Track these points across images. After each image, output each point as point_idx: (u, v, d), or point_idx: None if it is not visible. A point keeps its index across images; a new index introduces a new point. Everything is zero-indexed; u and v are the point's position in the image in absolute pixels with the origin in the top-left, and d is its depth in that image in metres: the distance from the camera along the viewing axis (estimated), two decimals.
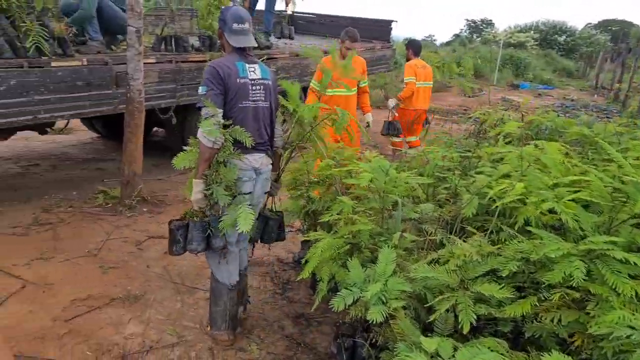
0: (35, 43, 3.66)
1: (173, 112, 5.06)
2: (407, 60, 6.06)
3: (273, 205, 2.98)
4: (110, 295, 3.09)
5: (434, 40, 33.52)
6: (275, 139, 2.75)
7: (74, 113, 4.20)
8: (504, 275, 1.83)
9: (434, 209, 2.60)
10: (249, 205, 2.40)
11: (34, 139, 6.45)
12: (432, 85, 6.15)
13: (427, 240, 2.27)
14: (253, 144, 2.44)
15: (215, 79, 2.42)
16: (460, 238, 2.25)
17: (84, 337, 2.66)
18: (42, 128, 4.77)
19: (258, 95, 2.55)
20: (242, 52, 2.57)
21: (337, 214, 2.41)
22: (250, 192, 2.56)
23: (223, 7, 2.76)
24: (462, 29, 34.56)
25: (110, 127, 6.59)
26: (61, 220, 4.09)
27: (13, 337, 2.58)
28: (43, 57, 3.85)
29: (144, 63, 4.30)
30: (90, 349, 2.58)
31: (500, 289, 1.74)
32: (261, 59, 5.68)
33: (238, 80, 2.47)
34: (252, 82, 2.52)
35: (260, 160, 2.59)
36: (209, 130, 2.33)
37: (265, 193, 2.75)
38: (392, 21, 8.96)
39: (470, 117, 4.64)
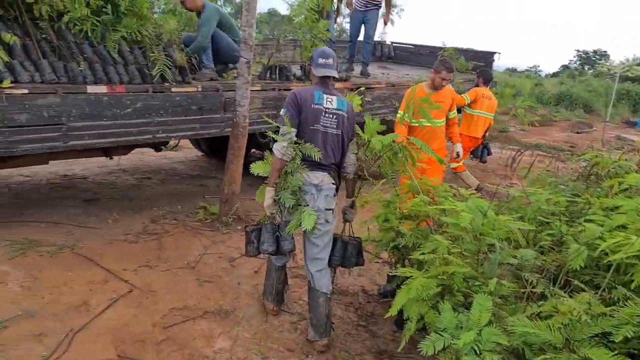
0: (160, 71, 4.08)
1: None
2: (476, 86, 6.44)
3: (351, 231, 3.14)
4: (204, 307, 3.27)
5: (539, 71, 31.81)
6: (346, 166, 2.99)
7: (186, 134, 4.59)
8: (616, 340, 1.66)
9: (535, 256, 2.44)
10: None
11: (149, 154, 7.12)
12: (492, 118, 6.41)
13: (528, 290, 2.13)
14: (317, 161, 2.76)
15: (293, 103, 2.81)
16: (565, 292, 2.09)
17: (178, 346, 2.84)
18: (158, 146, 5.26)
19: (329, 122, 2.86)
20: (324, 83, 2.93)
21: (431, 253, 2.35)
22: (309, 205, 2.80)
23: (315, 49, 3.15)
24: (571, 60, 32.46)
25: (214, 147, 7.08)
26: (166, 232, 4.44)
27: (119, 338, 2.83)
28: (166, 84, 4.27)
29: (250, 90, 4.59)
30: (184, 358, 2.74)
31: (613, 356, 1.58)
32: (358, 89, 5.85)
33: (312, 106, 2.82)
34: (326, 110, 2.85)
35: (321, 178, 2.85)
36: (281, 145, 2.73)
37: (329, 210, 2.90)
38: (494, 53, 8.70)
39: (579, 157, 4.32)
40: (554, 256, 2.45)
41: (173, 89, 4.32)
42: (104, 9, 3.80)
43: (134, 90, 4.05)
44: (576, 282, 2.16)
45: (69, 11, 3.55)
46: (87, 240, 4.09)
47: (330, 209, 2.91)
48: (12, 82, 3.42)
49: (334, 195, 2.94)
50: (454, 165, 6.29)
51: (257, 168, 2.96)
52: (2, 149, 3.44)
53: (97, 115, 3.82)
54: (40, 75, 3.60)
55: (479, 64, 8.38)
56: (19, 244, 3.86)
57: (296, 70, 5.77)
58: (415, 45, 9.81)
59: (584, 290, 2.11)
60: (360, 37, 7.01)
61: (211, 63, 4.96)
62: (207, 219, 4.78)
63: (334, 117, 2.87)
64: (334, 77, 2.95)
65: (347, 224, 3.12)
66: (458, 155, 4.81)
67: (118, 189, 5.63)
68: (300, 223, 2.66)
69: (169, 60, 4.20)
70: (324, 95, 2.87)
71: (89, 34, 3.77)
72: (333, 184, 2.92)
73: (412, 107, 3.37)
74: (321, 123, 2.84)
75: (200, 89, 4.53)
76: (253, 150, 7.16)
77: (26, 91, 3.46)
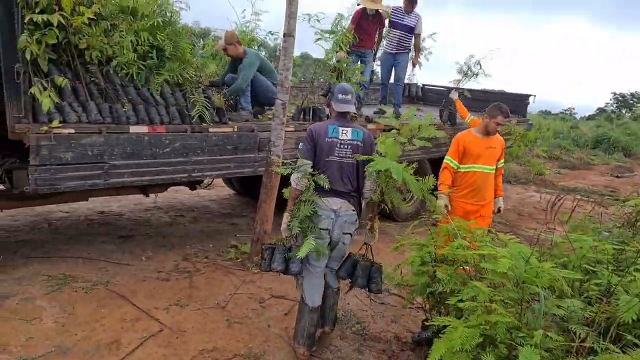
0: (199, 112, 4.21)
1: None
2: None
3: (371, 254, 3.26)
4: (233, 350, 3.21)
5: (574, 114, 31.31)
6: (364, 191, 3.16)
7: (221, 173, 4.68)
8: None
9: (582, 307, 2.31)
10: (329, 240, 3.08)
11: (183, 192, 7.26)
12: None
13: (577, 344, 2.00)
14: (330, 188, 2.99)
15: (309, 137, 3.12)
16: (617, 347, 1.95)
17: None
18: (193, 184, 5.36)
19: (344, 152, 3.10)
20: (342, 117, 3.19)
21: (470, 300, 2.26)
22: (327, 229, 3.06)
23: (336, 85, 3.40)
24: (607, 103, 31.85)
25: (246, 185, 7.18)
26: (197, 270, 4.45)
27: None
28: (203, 124, 4.40)
29: (284, 131, 4.67)
30: None
31: None
32: (390, 130, 5.88)
33: (326, 139, 3.08)
34: (341, 141, 3.10)
35: (340, 204, 3.07)
36: (296, 176, 3.03)
37: (346, 234, 3.14)
38: (529, 95, 8.62)
39: (623, 203, 4.14)
40: (603, 307, 2.31)
41: (210, 129, 4.44)
42: (149, 54, 4.00)
43: (173, 130, 4.19)
44: (629, 336, 2.02)
45: (117, 56, 3.75)
46: (120, 276, 4.14)
47: (347, 233, 3.15)
48: (60, 122, 3.59)
49: (354, 222, 3.16)
50: None
51: (286, 192, 3.38)
52: (47, 186, 3.57)
53: (137, 154, 3.95)
54: (87, 116, 3.77)
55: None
56: (55, 279, 3.94)
57: (330, 112, 5.87)
58: (446, 88, 9.85)
59: (637, 346, 1.97)
60: (391, 80, 7.13)
61: (249, 105, 5.09)
62: (238, 258, 4.78)
63: (349, 147, 3.10)
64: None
65: (368, 247, 3.29)
66: (499, 211, 4.41)
67: (152, 226, 5.73)
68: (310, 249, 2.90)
69: (208, 102, 4.33)
70: (339, 128, 3.12)
71: (134, 77, 3.95)
72: (353, 210, 3.13)
73: (462, 152, 3.36)
74: (336, 154, 3.09)
75: (236, 129, 4.64)
76: (284, 189, 7.24)
77: (73, 131, 3.63)
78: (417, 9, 6.77)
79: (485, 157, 4.12)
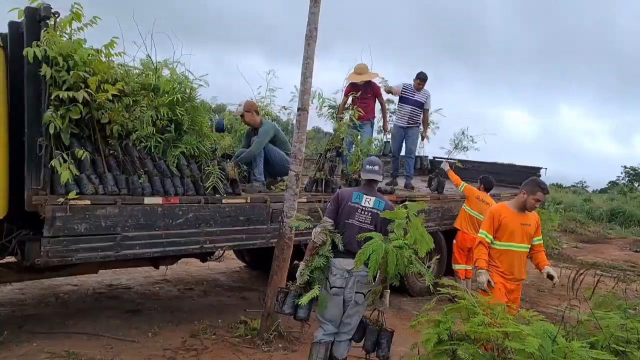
0: (213, 184, 4.26)
1: None
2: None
3: (383, 320, 3.49)
4: None
5: (585, 187, 31.19)
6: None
7: (232, 244, 4.64)
8: None
9: None
10: (341, 298, 3.38)
11: (193, 264, 7.17)
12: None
13: None
14: (346, 249, 3.36)
15: (335, 199, 3.56)
16: None
17: None
18: (204, 256, 5.30)
19: (363, 218, 3.43)
20: (368, 186, 3.57)
21: None
22: (341, 287, 3.37)
23: (365, 159, 3.88)
24: (618, 177, 31.77)
25: (257, 257, 7.08)
26: (205, 348, 4.27)
27: None
28: (217, 195, 4.44)
29: (297, 202, 4.69)
30: None
31: None
32: (403, 201, 5.87)
33: (348, 204, 3.46)
34: (363, 208, 3.45)
35: (353, 265, 3.21)
36: (315, 230, 3.42)
37: (359, 293, 3.39)
38: (540, 168, 8.66)
39: None
40: None
41: (224, 200, 4.47)
42: (167, 128, 4.14)
43: (187, 202, 4.22)
44: None
45: (137, 130, 3.88)
46: (125, 354, 3.98)
47: (360, 293, 3.39)
48: (77, 194, 3.64)
49: (367, 282, 3.37)
50: (456, 267, 6.26)
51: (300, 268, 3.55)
52: (59, 257, 3.55)
53: (149, 225, 3.96)
54: (103, 187, 3.83)
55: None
56: (59, 357, 3.79)
57: (342, 183, 5.91)
58: (460, 161, 9.90)
59: None
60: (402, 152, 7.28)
61: (262, 176, 5.16)
62: (248, 335, 4.59)
63: (369, 214, 3.44)
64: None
65: (380, 313, 3.52)
66: (551, 278, 3.96)
67: (161, 299, 5.60)
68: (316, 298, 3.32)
69: (222, 173, 4.40)
70: (363, 195, 3.49)
71: (152, 150, 4.06)
72: (364, 274, 3.31)
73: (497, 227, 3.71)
74: (356, 218, 3.43)
75: (249, 201, 4.67)
76: (296, 262, 7.12)
77: (89, 202, 3.67)
78: (427, 86, 7.05)
79: (519, 234, 3.92)
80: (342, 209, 3.45)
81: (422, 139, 7.48)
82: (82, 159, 3.71)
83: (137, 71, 4.24)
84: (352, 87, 6.53)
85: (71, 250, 3.59)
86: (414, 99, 6.97)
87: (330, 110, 6.46)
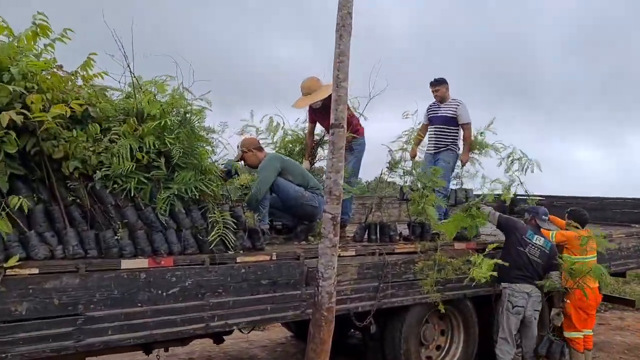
0: (218, 235, 3.07)
1: (372, 316, 3.91)
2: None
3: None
4: None
5: None
6: (551, 279, 4.36)
7: (252, 320, 3.33)
8: None
9: None
10: (522, 316, 4.29)
11: (230, 337, 5.91)
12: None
13: None
14: (521, 275, 4.29)
15: (514, 225, 4.50)
16: None
17: None
18: (215, 337, 3.98)
19: (534, 252, 4.34)
20: (536, 227, 4.51)
21: None
22: (522, 307, 4.25)
23: (535, 207, 4.81)
24: None
25: (306, 325, 5.69)
26: None
27: None
28: (229, 252, 3.24)
29: (340, 256, 3.38)
30: None
31: None
32: (483, 249, 4.42)
33: (523, 237, 4.38)
34: (533, 244, 4.36)
35: (530, 288, 4.27)
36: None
37: (536, 311, 4.33)
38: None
39: None
40: None
41: (239, 259, 3.26)
42: (154, 163, 3.03)
43: (184, 263, 3.04)
44: None
45: (104, 166, 2.80)
46: None
47: (536, 310, 4.32)
48: (22, 260, 2.57)
49: (540, 302, 4.34)
50: (572, 334, 4.65)
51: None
52: None
53: (128, 299, 2.79)
54: (63, 249, 2.75)
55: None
56: None
57: (402, 229, 4.54)
58: (545, 197, 8.06)
59: None
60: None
61: (265, 221, 3.92)
62: None
63: (538, 250, 4.34)
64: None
65: (555, 328, 4.55)
66: None
67: None
68: None
69: (234, 222, 3.21)
70: (534, 234, 4.42)
71: (133, 193, 2.95)
72: (539, 294, 4.31)
73: None
74: (527, 250, 4.32)
75: (274, 258, 3.42)
76: (352, 330, 5.66)
77: (36, 271, 2.58)
78: (455, 95, 5.47)
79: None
80: (514, 237, 4.38)
81: (463, 164, 5.61)
82: (32, 210, 2.68)
83: (119, 94, 3.24)
84: (313, 112, 4.79)
85: (5, 343, 2.47)
86: (438, 115, 5.44)
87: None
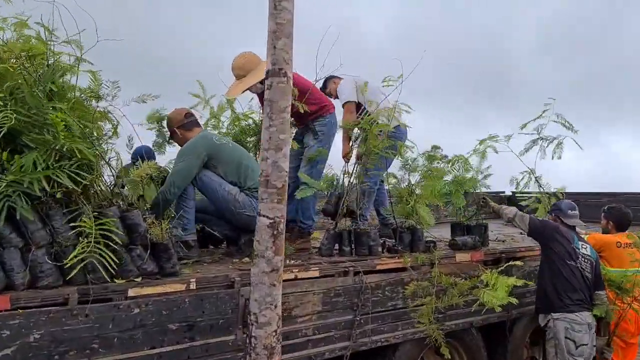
0: (85, 255, 1.87)
1: None
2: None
3: None
4: None
5: None
6: (595, 302, 3.16)
7: None
8: None
9: None
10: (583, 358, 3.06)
11: None
12: None
13: None
14: (576, 299, 3.07)
15: (556, 227, 3.26)
16: None
17: None
18: None
19: (584, 265, 3.17)
20: (574, 231, 3.33)
21: None
22: (587, 344, 3.03)
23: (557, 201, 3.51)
24: None
25: None
26: None
27: None
28: (116, 282, 2.05)
29: (296, 279, 2.22)
30: None
31: None
32: (498, 260, 3.34)
33: (571, 245, 3.18)
34: (582, 255, 3.18)
35: (590, 317, 3.10)
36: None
37: (594, 346, 3.13)
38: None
39: None
40: None
41: (130, 291, 2.07)
42: None
43: (32, 303, 1.84)
44: None
45: None
46: None
47: (594, 346, 3.19)
48: None
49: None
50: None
51: None
52: None
53: None
54: None
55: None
56: None
57: (386, 238, 3.40)
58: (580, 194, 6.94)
59: None
60: None
61: (189, 231, 2.73)
62: None
63: (588, 262, 3.19)
64: None
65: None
66: None
67: None
68: None
69: (130, 233, 2.02)
70: (579, 241, 3.25)
71: None
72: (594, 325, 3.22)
73: None
74: (577, 264, 3.15)
75: (193, 287, 2.24)
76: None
77: None
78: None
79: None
80: (559, 246, 3.17)
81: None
82: None
83: None
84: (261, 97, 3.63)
85: None
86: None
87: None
